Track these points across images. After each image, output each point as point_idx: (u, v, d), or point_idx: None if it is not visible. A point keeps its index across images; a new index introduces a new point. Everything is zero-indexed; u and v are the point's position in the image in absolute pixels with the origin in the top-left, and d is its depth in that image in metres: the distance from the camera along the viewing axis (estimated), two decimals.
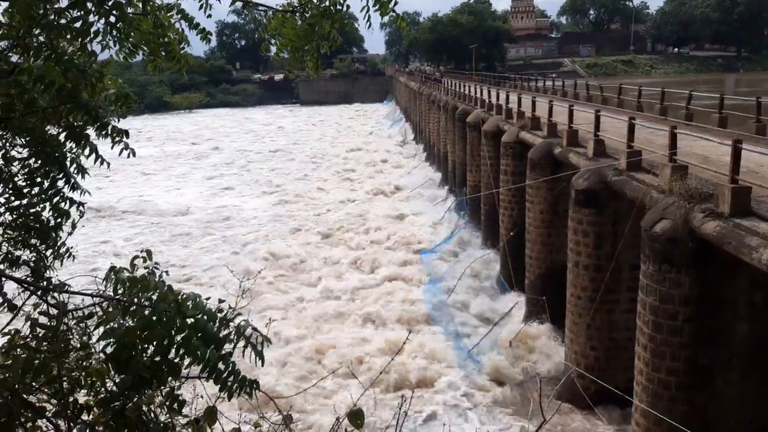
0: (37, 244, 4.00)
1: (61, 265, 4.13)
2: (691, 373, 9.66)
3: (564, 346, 14.52)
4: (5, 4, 3.52)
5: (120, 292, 3.20)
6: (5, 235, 3.93)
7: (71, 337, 3.26)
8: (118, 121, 4.08)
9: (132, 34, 3.78)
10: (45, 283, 3.71)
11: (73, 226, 4.18)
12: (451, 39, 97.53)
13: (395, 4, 3.83)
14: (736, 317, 9.55)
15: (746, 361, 9.64)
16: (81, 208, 4.15)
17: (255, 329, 3.20)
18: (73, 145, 3.92)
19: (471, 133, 26.46)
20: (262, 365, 3.15)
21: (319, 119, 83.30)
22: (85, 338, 3.27)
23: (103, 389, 3.07)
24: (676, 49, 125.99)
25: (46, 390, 3.06)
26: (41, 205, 3.96)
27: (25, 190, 3.90)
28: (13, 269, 3.90)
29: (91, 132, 3.93)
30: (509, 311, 18.06)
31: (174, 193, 40.44)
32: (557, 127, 17.32)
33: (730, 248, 8.56)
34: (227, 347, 3.08)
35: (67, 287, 3.54)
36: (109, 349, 3.02)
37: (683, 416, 9.61)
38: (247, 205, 36.14)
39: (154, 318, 2.99)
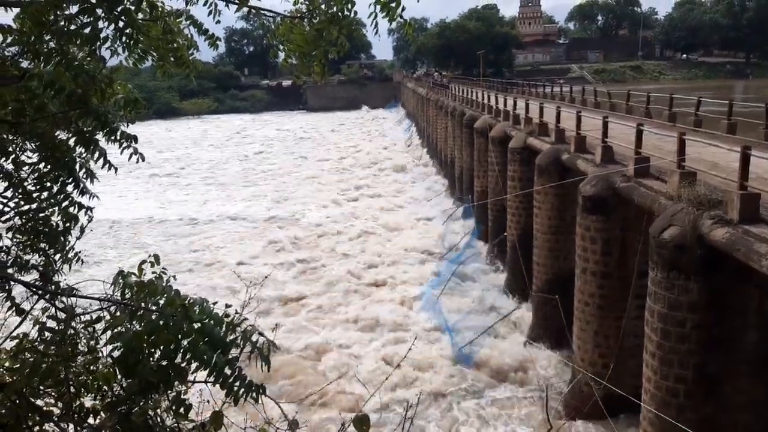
0: (46, 249, 4.03)
1: (70, 269, 4.16)
2: (699, 381, 9.57)
3: (571, 354, 14.44)
4: (16, 11, 3.56)
5: (128, 296, 3.22)
6: (15, 239, 3.96)
7: (79, 341, 3.28)
8: (127, 126, 4.11)
9: (141, 39, 3.81)
10: (53, 287, 3.73)
11: (82, 230, 4.20)
12: (459, 45, 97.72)
13: (403, 10, 3.84)
14: (746, 325, 9.47)
15: (755, 369, 9.54)
16: (90, 212, 4.17)
17: (261, 334, 3.21)
18: (83, 150, 3.95)
19: (478, 139, 26.44)
20: (269, 370, 3.16)
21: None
22: (92, 342, 3.29)
23: (109, 393, 3.08)
24: (684, 55, 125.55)
25: (53, 393, 3.08)
26: (50, 210, 3.99)
27: (35, 195, 3.93)
28: (22, 273, 3.93)
29: (100, 137, 3.96)
30: (508, 315, 18.00)
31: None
32: (565, 133, 17.28)
33: (739, 255, 8.49)
34: (234, 352, 3.09)
35: (75, 291, 3.56)
36: (116, 353, 3.03)
37: (692, 424, 9.53)
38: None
39: (161, 322, 3.00)
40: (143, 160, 4.13)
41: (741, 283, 9.25)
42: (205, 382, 3.09)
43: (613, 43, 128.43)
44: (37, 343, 3.19)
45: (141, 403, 2.97)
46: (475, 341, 16.82)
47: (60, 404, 3.07)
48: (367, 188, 40.85)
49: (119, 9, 3.32)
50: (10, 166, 3.85)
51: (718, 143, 11.67)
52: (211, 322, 3.05)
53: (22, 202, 3.92)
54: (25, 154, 3.90)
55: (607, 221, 13.08)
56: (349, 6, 4.02)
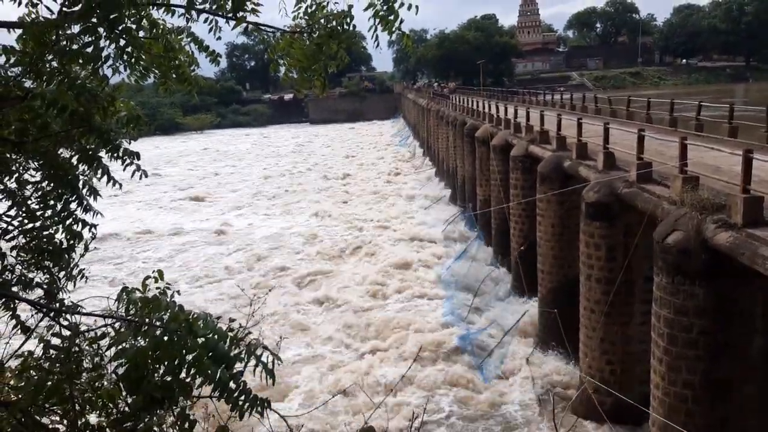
0: (50, 266, 4.04)
1: (74, 286, 4.17)
2: (707, 387, 9.51)
3: (577, 361, 14.37)
4: (19, 32, 3.60)
5: (132, 312, 3.22)
6: (19, 258, 3.97)
7: (83, 358, 3.28)
8: (130, 143, 4.14)
9: (143, 57, 3.85)
10: (58, 304, 3.74)
11: (86, 247, 4.22)
12: (459, 55, 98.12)
13: (401, 22, 3.87)
14: (752, 329, 9.41)
15: (763, 374, 9.48)
16: (93, 229, 4.19)
17: (266, 348, 3.21)
18: (86, 168, 3.98)
19: (480, 147, 26.49)
20: (273, 384, 3.15)
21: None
22: (97, 359, 3.29)
23: (114, 410, 3.08)
24: (684, 61, 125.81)
25: (58, 411, 3.08)
26: (54, 228, 4.01)
27: (39, 213, 3.95)
28: (27, 291, 3.94)
29: (103, 154, 3.99)
30: (516, 324, 17.94)
31: None
32: (566, 141, 17.29)
33: (743, 259, 8.46)
34: (238, 366, 3.09)
35: (79, 308, 3.57)
36: (120, 370, 3.03)
37: (701, 430, 9.46)
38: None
39: (166, 338, 3.01)
40: (146, 176, 4.15)
41: (746, 287, 9.21)
42: (210, 396, 3.09)
43: (613, 50, 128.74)
44: (42, 361, 3.20)
45: (146, 419, 2.97)
46: (483, 351, 16.77)
47: (65, 422, 3.08)
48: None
49: (120, 28, 3.35)
50: (13, 185, 3.87)
51: (719, 147, 11.67)
52: (215, 336, 3.05)
53: (26, 221, 3.94)
54: (29, 172, 3.92)
55: (611, 227, 13.06)
56: (348, 20, 4.05)
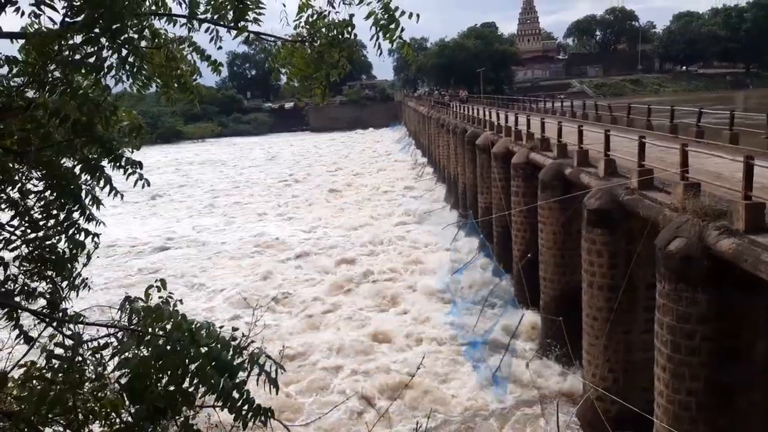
0: (53, 276, 4.04)
1: (77, 296, 4.17)
2: (711, 394, 9.46)
3: (580, 369, 14.31)
4: (21, 42, 3.62)
5: (135, 322, 3.22)
6: (21, 268, 3.97)
7: (86, 367, 3.27)
8: (132, 152, 4.14)
9: (145, 67, 3.86)
10: (60, 314, 3.73)
11: (89, 257, 4.21)
12: (459, 63, 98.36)
13: (402, 31, 3.89)
14: (757, 336, 9.38)
15: None
16: (96, 239, 4.19)
17: (268, 356, 3.20)
18: (88, 177, 3.98)
19: (481, 155, 26.51)
20: (276, 393, 3.14)
21: None
22: (100, 369, 3.28)
23: (118, 420, 3.07)
24: (684, 68, 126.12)
25: (61, 421, 3.07)
26: (57, 237, 4.01)
27: (41, 223, 3.95)
28: (30, 301, 3.93)
29: (105, 164, 4.00)
30: (516, 329, 17.83)
31: None
32: (567, 148, 17.31)
33: (746, 266, 8.44)
34: (241, 375, 3.08)
35: (82, 318, 3.57)
36: (123, 380, 3.03)
37: None
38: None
39: (168, 347, 3.00)
40: (149, 185, 4.16)
41: (749, 293, 9.18)
42: (213, 406, 3.08)
43: (613, 58, 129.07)
44: (44, 371, 3.19)
45: (149, 429, 2.95)
46: (484, 357, 16.71)
47: None
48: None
49: (122, 38, 3.37)
50: (16, 195, 3.88)
51: (720, 153, 11.67)
52: (218, 345, 3.04)
53: (28, 231, 3.94)
54: (31, 182, 3.93)
55: (613, 234, 13.04)
56: (349, 29, 4.07)
